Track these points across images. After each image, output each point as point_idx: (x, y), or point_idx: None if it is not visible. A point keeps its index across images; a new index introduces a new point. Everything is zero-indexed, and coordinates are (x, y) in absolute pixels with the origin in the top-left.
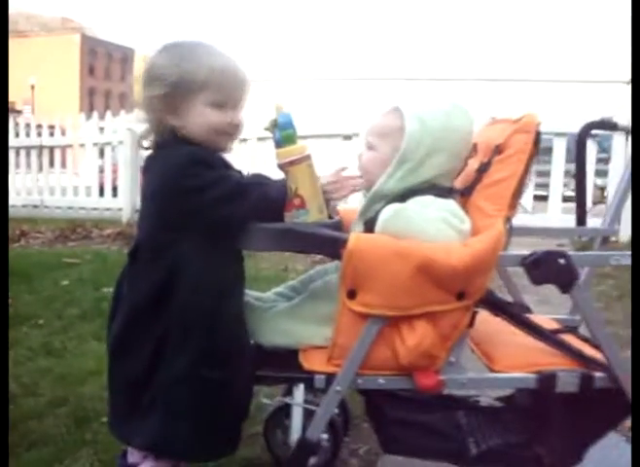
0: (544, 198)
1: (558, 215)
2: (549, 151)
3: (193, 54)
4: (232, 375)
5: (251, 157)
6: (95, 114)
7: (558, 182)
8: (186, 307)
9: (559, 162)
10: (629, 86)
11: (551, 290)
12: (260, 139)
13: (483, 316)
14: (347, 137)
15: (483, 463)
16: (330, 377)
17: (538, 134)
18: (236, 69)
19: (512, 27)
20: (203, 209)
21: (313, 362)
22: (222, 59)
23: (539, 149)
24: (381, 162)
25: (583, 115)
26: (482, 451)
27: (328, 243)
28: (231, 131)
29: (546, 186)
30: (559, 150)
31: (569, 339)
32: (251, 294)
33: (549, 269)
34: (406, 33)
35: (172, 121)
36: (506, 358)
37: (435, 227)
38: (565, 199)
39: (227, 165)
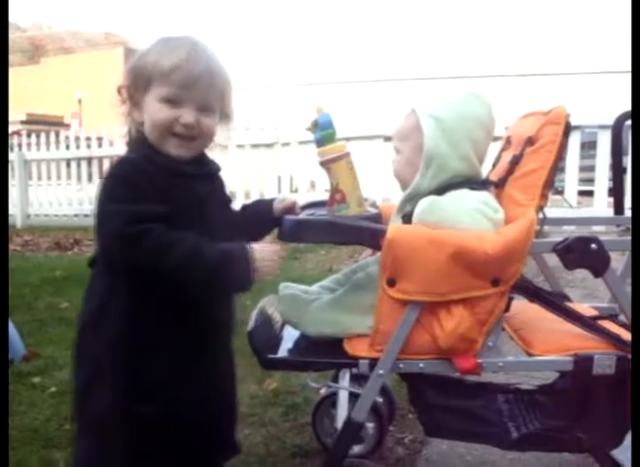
0: (590, 194)
1: (605, 209)
2: (594, 145)
3: (160, 48)
4: (168, 409)
5: (292, 160)
6: None
7: (604, 176)
8: (111, 338)
9: (605, 156)
10: None
11: (596, 283)
12: (301, 143)
13: (522, 304)
14: (388, 138)
15: (524, 446)
16: (373, 362)
17: (568, 125)
18: (196, 67)
19: (550, 21)
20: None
21: (357, 348)
22: (183, 55)
23: (568, 140)
24: (408, 164)
25: (627, 106)
26: (523, 435)
27: (368, 234)
28: (178, 131)
29: (591, 181)
30: (604, 143)
31: (607, 324)
32: (297, 287)
33: (581, 254)
34: (445, 33)
35: (138, 116)
36: (543, 342)
37: (469, 216)
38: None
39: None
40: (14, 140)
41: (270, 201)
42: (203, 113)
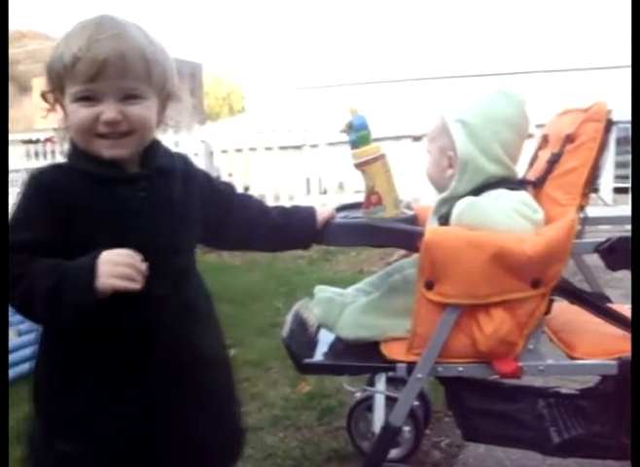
0: (626, 191)
1: None
2: (629, 141)
3: (64, 38)
4: (90, 447)
5: (321, 162)
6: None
7: None
8: (35, 371)
9: None
10: None
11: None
12: (330, 144)
13: (562, 305)
14: (417, 138)
15: (566, 452)
16: (411, 366)
17: (609, 122)
18: (99, 54)
19: (581, 15)
20: None
21: (395, 352)
22: (82, 42)
23: (609, 137)
24: (435, 164)
25: None
26: (565, 440)
27: (405, 237)
28: (103, 131)
29: (627, 177)
30: None
31: None
32: (333, 290)
33: (625, 254)
34: (474, 29)
35: (67, 122)
36: (585, 345)
37: (508, 217)
38: None
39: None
40: (47, 147)
41: (313, 211)
42: (128, 102)
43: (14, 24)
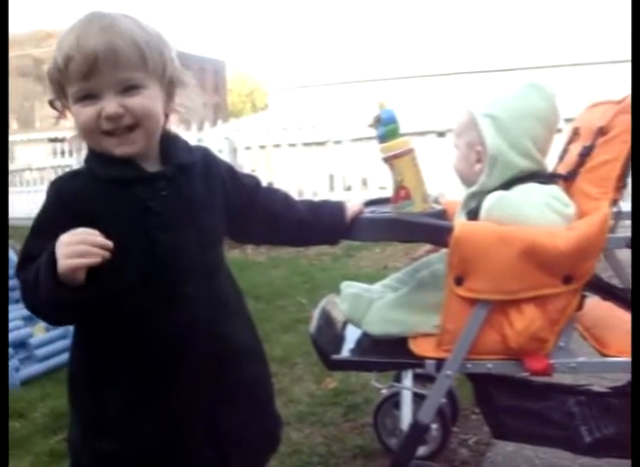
0: None
1: None
2: None
3: (58, 41)
4: (131, 445)
5: (344, 158)
6: (194, 125)
7: None
8: (70, 371)
9: None
10: None
11: None
12: (353, 140)
13: (594, 301)
14: (441, 134)
15: (598, 452)
16: (440, 363)
17: None
18: (88, 50)
19: (604, 8)
20: None
21: (423, 348)
22: (72, 41)
23: None
24: (463, 159)
25: None
26: (596, 440)
27: (434, 232)
28: (108, 128)
29: None
30: None
31: None
32: (360, 286)
33: None
34: (495, 25)
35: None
36: (618, 342)
37: (539, 211)
38: None
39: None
40: (73, 146)
41: (342, 206)
42: (127, 93)
43: (39, 24)
